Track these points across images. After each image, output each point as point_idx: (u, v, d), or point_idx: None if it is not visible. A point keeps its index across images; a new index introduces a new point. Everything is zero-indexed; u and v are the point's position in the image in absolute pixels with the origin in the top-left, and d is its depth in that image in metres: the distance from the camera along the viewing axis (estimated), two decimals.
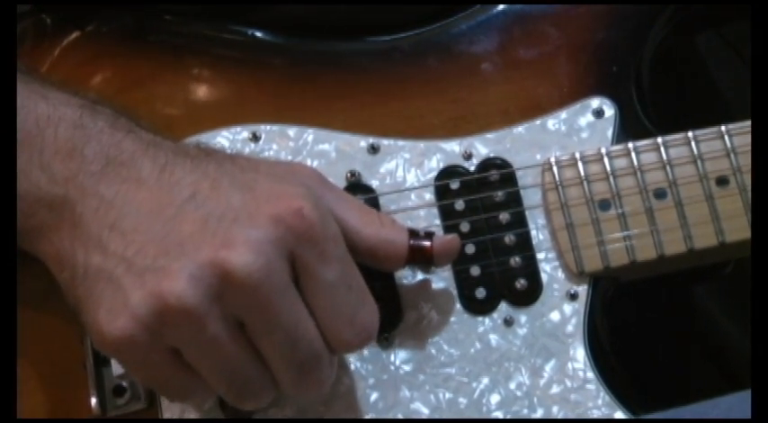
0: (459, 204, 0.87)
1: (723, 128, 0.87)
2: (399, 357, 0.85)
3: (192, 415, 0.83)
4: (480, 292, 0.86)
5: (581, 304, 0.86)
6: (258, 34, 0.91)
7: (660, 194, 0.86)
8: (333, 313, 0.74)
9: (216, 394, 0.78)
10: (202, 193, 0.72)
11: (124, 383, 0.83)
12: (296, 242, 0.72)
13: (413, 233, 0.80)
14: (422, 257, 0.80)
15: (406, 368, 0.85)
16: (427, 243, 0.80)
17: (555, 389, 0.85)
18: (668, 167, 0.86)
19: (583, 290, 0.86)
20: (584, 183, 0.86)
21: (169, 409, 0.83)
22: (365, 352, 0.84)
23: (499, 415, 0.84)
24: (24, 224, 0.75)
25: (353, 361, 0.84)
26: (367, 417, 0.84)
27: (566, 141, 0.88)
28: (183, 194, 0.72)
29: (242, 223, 0.71)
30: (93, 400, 0.82)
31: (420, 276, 0.85)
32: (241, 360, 0.72)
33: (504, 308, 0.86)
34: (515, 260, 0.86)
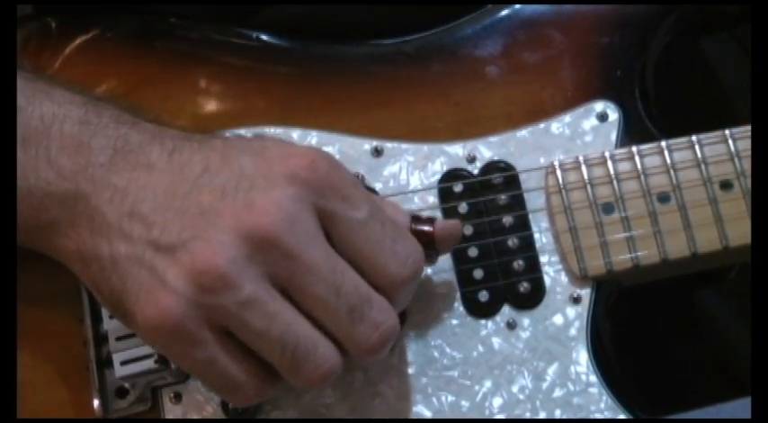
0: (463, 207, 0.87)
1: (727, 132, 0.87)
2: (402, 360, 0.85)
3: (195, 416, 0.83)
4: (483, 295, 0.86)
5: (584, 308, 0.86)
6: (262, 37, 0.91)
7: (664, 198, 0.86)
8: (373, 250, 0.74)
9: (264, 387, 0.75)
10: (214, 166, 0.73)
11: (127, 385, 0.83)
12: (316, 194, 0.72)
13: (414, 218, 0.80)
14: (424, 241, 0.79)
15: (409, 371, 0.85)
16: (429, 227, 0.80)
17: (557, 392, 0.85)
18: (672, 171, 0.86)
19: (586, 293, 0.86)
20: (588, 186, 0.86)
21: (172, 411, 0.83)
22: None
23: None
24: (36, 220, 0.75)
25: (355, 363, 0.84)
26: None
27: (569, 145, 0.88)
28: (196, 170, 0.73)
29: (258, 187, 0.72)
30: (96, 402, 0.82)
31: (423, 279, 0.85)
32: (287, 318, 0.72)
33: (506, 311, 0.86)
34: (518, 263, 0.86)
